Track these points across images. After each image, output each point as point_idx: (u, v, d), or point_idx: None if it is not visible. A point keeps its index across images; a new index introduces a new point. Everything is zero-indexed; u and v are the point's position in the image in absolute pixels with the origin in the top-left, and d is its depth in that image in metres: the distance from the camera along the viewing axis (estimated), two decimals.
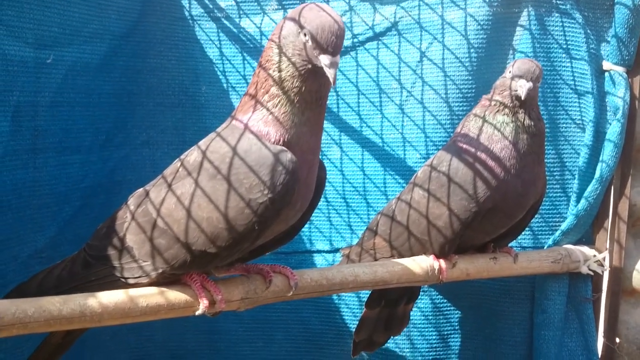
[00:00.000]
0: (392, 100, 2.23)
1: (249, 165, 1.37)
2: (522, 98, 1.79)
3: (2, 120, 1.82)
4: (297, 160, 1.40)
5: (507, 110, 1.83)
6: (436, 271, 1.82)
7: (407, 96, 2.21)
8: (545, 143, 1.93)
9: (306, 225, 2.31)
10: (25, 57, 1.88)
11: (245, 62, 2.32)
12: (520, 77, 1.81)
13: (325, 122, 2.28)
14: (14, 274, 1.89)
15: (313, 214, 2.30)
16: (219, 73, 2.35)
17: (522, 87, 1.79)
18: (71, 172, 2.09)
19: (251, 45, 2.31)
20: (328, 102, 2.28)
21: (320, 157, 2.32)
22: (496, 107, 1.85)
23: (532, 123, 1.83)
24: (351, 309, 2.33)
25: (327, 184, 2.30)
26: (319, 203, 2.28)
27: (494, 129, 1.82)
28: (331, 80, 1.35)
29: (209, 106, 2.34)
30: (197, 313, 1.46)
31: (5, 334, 1.24)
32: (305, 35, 1.37)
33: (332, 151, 2.32)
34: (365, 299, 2.23)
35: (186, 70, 2.34)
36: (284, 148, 1.39)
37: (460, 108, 2.15)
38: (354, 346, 2.15)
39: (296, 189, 1.40)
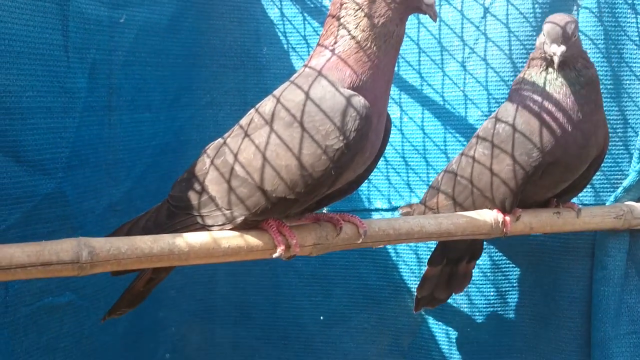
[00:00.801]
0: (454, 58, 2.24)
1: (324, 112, 1.41)
2: (556, 66, 1.79)
3: (80, 76, 1.91)
4: (370, 105, 1.43)
5: (550, 69, 1.83)
6: (500, 224, 1.84)
7: (469, 53, 2.22)
8: (609, 100, 1.93)
9: (365, 184, 2.37)
10: (100, 16, 1.96)
11: (306, 22, 2.36)
12: (552, 41, 1.78)
13: None
14: (91, 225, 2.00)
15: (373, 173, 2.37)
16: (279, 34, 2.39)
17: (555, 54, 1.77)
18: (143, 129, 2.18)
19: (312, 6, 2.34)
20: None
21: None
22: (539, 66, 1.84)
23: (581, 73, 1.82)
24: (409, 266, 2.38)
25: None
26: (380, 162, 2.35)
27: (545, 85, 1.82)
28: (433, 15, 1.41)
29: (270, 67, 2.39)
30: (274, 255, 1.53)
31: (100, 269, 1.33)
32: None
33: (392, 110, 2.34)
34: (424, 256, 2.29)
35: (247, 31, 2.40)
36: (357, 94, 1.43)
37: (524, 64, 2.14)
38: (416, 302, 2.20)
39: (369, 134, 1.44)
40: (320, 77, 1.46)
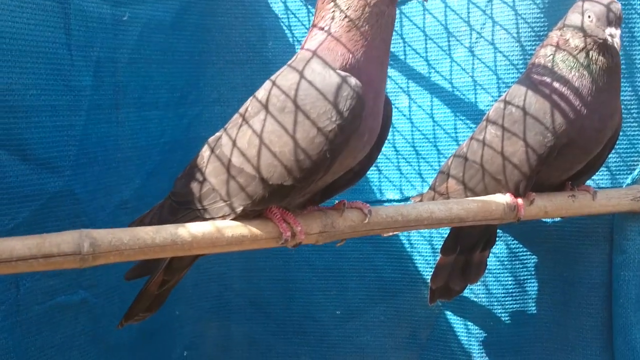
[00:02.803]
0: (462, 43, 2.21)
1: (315, 95, 1.40)
2: (619, 49, 1.73)
3: (85, 75, 1.92)
4: (363, 86, 1.41)
5: (583, 52, 1.77)
6: (513, 208, 1.80)
7: (477, 38, 2.18)
8: (622, 80, 1.88)
9: (376, 175, 2.35)
10: (102, 14, 1.96)
11: (310, 14, 2.34)
12: (608, 24, 1.73)
13: (392, 70, 2.33)
14: (102, 223, 2.00)
15: (382, 163, 2.36)
16: (284, 28, 2.38)
17: (615, 37, 1.71)
18: (151, 127, 2.18)
19: None
20: (394, 50, 2.32)
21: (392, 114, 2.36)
22: (572, 47, 1.79)
23: (610, 59, 1.77)
24: (424, 257, 2.34)
25: (395, 133, 2.34)
26: (389, 152, 2.33)
27: (571, 66, 1.77)
28: None
29: (276, 61, 2.37)
30: (279, 243, 1.51)
31: (103, 261, 1.33)
32: None
33: (400, 99, 2.32)
34: (438, 247, 2.24)
35: (252, 26, 2.39)
36: (348, 74, 1.41)
37: (533, 47, 2.11)
38: (431, 294, 2.17)
39: (363, 115, 1.42)
40: (313, 59, 1.45)
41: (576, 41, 1.79)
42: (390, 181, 2.36)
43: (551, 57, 1.81)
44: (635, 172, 2.06)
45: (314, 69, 1.43)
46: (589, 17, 1.76)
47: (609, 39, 1.72)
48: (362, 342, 2.42)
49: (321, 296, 2.44)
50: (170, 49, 2.22)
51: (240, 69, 2.39)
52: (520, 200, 1.82)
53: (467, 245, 2.06)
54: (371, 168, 2.33)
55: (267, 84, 1.51)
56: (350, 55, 1.44)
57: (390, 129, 2.31)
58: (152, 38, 2.15)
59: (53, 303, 1.89)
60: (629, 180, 2.08)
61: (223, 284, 2.47)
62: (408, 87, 2.31)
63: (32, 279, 1.82)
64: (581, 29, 1.78)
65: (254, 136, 1.46)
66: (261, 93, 1.51)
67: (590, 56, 1.76)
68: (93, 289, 2.01)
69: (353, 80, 1.40)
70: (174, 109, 2.27)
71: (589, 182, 2.03)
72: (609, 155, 2.09)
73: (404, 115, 2.33)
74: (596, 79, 1.75)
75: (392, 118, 2.29)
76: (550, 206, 1.87)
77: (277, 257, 2.45)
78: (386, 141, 2.30)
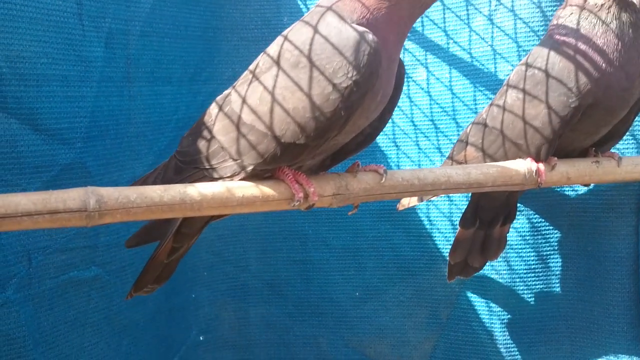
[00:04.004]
0: (480, 12, 2.15)
1: (331, 49, 1.35)
2: (639, 6, 1.68)
3: (97, 45, 1.90)
4: (379, 42, 1.36)
5: (605, 9, 1.71)
6: (534, 173, 1.74)
7: (496, 5, 2.12)
8: None
9: (393, 149, 2.30)
10: None
11: None
12: None
13: (409, 42, 2.28)
14: None
15: (400, 138, 2.30)
16: (299, 2, 2.35)
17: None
18: (164, 103, 2.16)
19: None
20: None
21: (405, 78, 2.31)
22: (592, 5, 1.73)
23: (634, 15, 1.70)
24: (443, 234, 2.28)
25: (414, 107, 2.29)
26: (407, 127, 2.28)
27: (594, 23, 1.71)
28: None
29: None
30: (291, 204, 1.47)
31: (109, 219, 1.29)
32: None
33: (418, 72, 2.27)
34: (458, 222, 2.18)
35: (267, 2, 2.36)
36: (365, 29, 1.36)
37: (554, 12, 2.03)
38: (450, 270, 2.10)
39: (379, 72, 1.37)
40: (328, 13, 1.40)
41: (595, 2, 1.73)
42: (408, 157, 2.31)
43: (572, 16, 1.74)
44: None
45: (329, 22, 1.39)
46: None
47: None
48: (381, 322, 2.37)
49: (339, 276, 2.40)
50: (183, 24, 2.20)
51: (255, 46, 2.35)
52: (541, 166, 1.75)
53: (486, 218, 1.99)
54: (389, 143, 2.32)
55: (279, 39, 1.47)
56: (367, 11, 1.40)
57: (409, 103, 2.30)
58: (165, 11, 2.13)
59: (66, 278, 1.87)
60: None
61: (239, 265, 2.44)
62: (426, 59, 2.26)
63: (44, 252, 1.80)
64: None
65: (266, 92, 1.41)
66: (273, 48, 1.47)
67: (613, 12, 1.69)
68: (106, 266, 1.99)
69: (370, 36, 1.36)
70: (188, 85, 2.24)
71: (614, 150, 1.96)
72: (635, 123, 2.03)
73: (422, 89, 2.27)
74: (621, 35, 1.69)
75: (410, 91, 2.28)
76: (573, 172, 1.80)
77: (294, 237, 2.41)
78: (404, 115, 2.30)
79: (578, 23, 1.72)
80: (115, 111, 1.98)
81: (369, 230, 2.36)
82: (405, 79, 2.29)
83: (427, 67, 2.25)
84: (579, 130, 1.77)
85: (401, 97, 2.26)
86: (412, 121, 2.29)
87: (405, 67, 2.28)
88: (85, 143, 1.88)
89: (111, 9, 1.94)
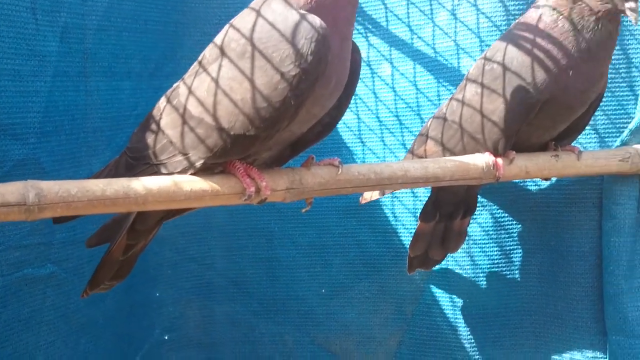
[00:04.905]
0: (444, 7, 2.14)
1: (277, 37, 1.32)
2: (636, 24, 1.66)
3: (51, 40, 1.86)
4: (328, 27, 1.33)
5: (592, 18, 1.68)
6: (492, 167, 1.73)
7: (459, 0, 2.11)
8: None
9: (359, 145, 2.29)
10: None
11: None
12: None
13: (374, 37, 2.26)
14: None
15: (365, 134, 2.29)
16: None
17: (633, 13, 1.63)
18: (122, 98, 2.12)
19: None
20: (375, 16, 2.25)
21: (370, 75, 2.29)
22: (580, 10, 1.69)
23: (613, 29, 1.69)
24: (408, 230, 2.27)
25: (379, 102, 2.27)
26: (372, 123, 2.26)
27: (568, 26, 1.68)
28: None
29: None
30: (243, 199, 1.44)
31: (50, 213, 1.26)
32: None
33: (383, 68, 2.26)
34: None
35: None
36: (312, 15, 1.33)
37: (516, 7, 2.05)
38: (410, 262, 2.09)
39: (329, 58, 1.34)
40: None
41: (582, 6, 1.69)
42: (373, 153, 2.30)
43: (551, 17, 1.70)
44: (624, 134, 1.98)
45: (275, 9, 1.36)
46: None
47: (628, 11, 1.64)
48: (347, 319, 2.35)
49: (305, 273, 2.38)
50: (143, 18, 2.17)
51: None
52: (499, 160, 1.74)
53: (446, 211, 1.99)
54: (354, 139, 2.30)
55: (226, 28, 1.44)
56: None
57: (374, 99, 2.29)
58: (124, 6, 2.10)
59: (19, 275, 1.83)
60: (617, 143, 1.99)
61: (204, 263, 2.41)
62: (391, 54, 2.25)
63: None
64: None
65: (213, 84, 1.38)
66: (219, 38, 1.44)
67: (592, 23, 1.67)
68: (62, 263, 1.95)
69: (318, 21, 1.33)
70: (148, 80, 2.21)
71: (575, 145, 1.95)
72: (598, 118, 2.03)
73: (387, 84, 2.26)
74: (589, 39, 1.67)
75: (375, 87, 2.26)
76: (532, 166, 1.79)
77: (260, 234, 2.39)
78: (369, 111, 2.28)
79: (551, 25, 1.69)
80: (70, 106, 1.94)
81: (335, 227, 2.34)
82: (370, 75, 2.29)
83: (391, 63, 2.24)
84: (536, 125, 1.76)
85: (366, 93, 2.28)
86: (378, 117, 2.27)
87: (370, 63, 2.28)
88: (38, 139, 1.84)
89: (66, 3, 1.90)
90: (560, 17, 1.69)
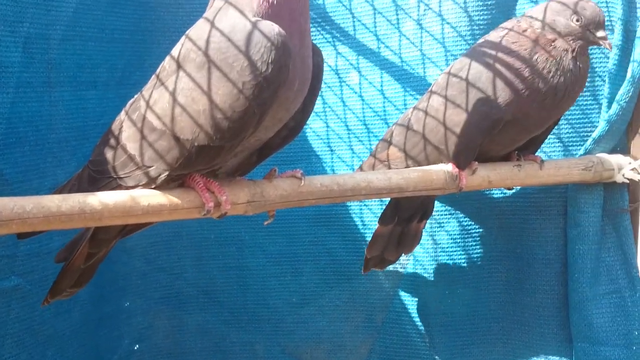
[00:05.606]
0: (410, 16, 2.15)
1: (235, 46, 1.30)
2: (611, 49, 1.77)
3: (13, 50, 1.84)
4: (286, 31, 1.32)
5: (569, 56, 1.72)
6: (455, 178, 1.74)
7: (425, 10, 2.13)
8: None
9: (327, 153, 2.29)
10: None
11: None
12: (600, 27, 1.71)
13: (342, 46, 2.27)
14: None
15: (334, 142, 2.29)
16: None
17: (606, 42, 1.72)
18: (88, 107, 2.10)
19: None
20: (343, 25, 2.26)
21: (338, 83, 2.29)
22: (550, 45, 1.73)
23: (581, 65, 1.75)
24: None
25: (347, 110, 2.28)
26: (341, 130, 2.27)
27: (551, 64, 1.72)
28: None
29: None
30: (202, 214, 1.44)
31: (5, 230, 1.25)
32: None
33: (351, 76, 2.26)
34: None
35: (200, 4, 2.31)
36: (269, 22, 1.32)
37: (481, 17, 2.06)
38: (365, 263, 2.11)
39: (290, 64, 1.33)
40: (228, 6, 1.36)
41: (559, 41, 1.73)
42: (342, 160, 2.30)
43: (522, 40, 1.74)
44: (588, 143, 2.00)
45: (230, 17, 1.34)
46: (577, 20, 1.72)
47: (605, 42, 1.71)
48: (317, 327, 2.35)
49: (275, 282, 2.37)
50: (109, 27, 2.14)
51: None
52: (462, 170, 1.75)
53: (405, 215, 2.01)
54: (323, 146, 2.30)
55: (183, 39, 1.43)
56: (266, 0, 1.35)
57: (342, 107, 2.30)
58: (89, 15, 2.07)
59: None
60: (581, 152, 2.02)
61: (173, 273, 2.39)
62: (358, 63, 2.26)
63: None
64: (568, 31, 1.73)
65: (174, 95, 1.37)
66: (177, 49, 1.43)
67: (570, 62, 1.73)
68: (27, 275, 1.93)
69: (276, 28, 1.32)
70: (115, 89, 2.19)
71: (539, 154, 1.98)
72: (562, 127, 2.06)
73: (355, 92, 2.27)
74: (567, 83, 1.73)
75: (344, 95, 2.27)
76: (494, 176, 1.81)
77: (230, 243, 2.38)
78: (338, 119, 2.29)
79: (525, 56, 1.72)
80: (34, 117, 1.92)
81: (305, 235, 2.34)
82: (339, 83, 2.30)
83: (359, 71, 2.25)
84: (496, 142, 1.80)
85: (335, 101, 2.29)
86: (346, 125, 2.28)
87: (338, 71, 2.29)
88: (1, 150, 1.81)
89: (29, 13, 1.87)
90: (541, 51, 1.73)
